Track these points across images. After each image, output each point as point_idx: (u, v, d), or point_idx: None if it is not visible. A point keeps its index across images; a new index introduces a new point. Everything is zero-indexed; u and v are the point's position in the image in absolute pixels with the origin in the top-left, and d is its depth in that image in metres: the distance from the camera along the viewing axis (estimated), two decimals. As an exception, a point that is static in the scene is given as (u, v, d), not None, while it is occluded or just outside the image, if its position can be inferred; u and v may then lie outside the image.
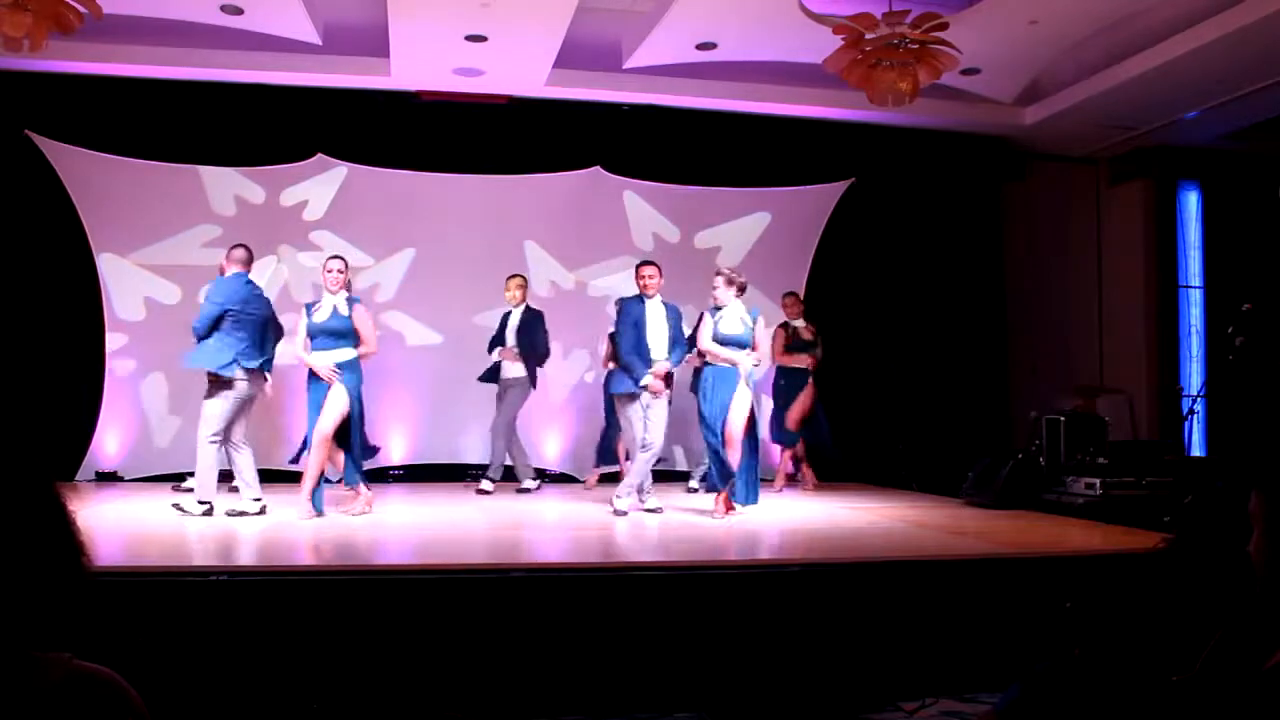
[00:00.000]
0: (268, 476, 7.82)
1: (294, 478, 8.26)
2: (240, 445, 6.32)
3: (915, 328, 9.58)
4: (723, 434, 6.28)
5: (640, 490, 6.67)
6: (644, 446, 6.57)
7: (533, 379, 7.98)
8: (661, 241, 9.43)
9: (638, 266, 6.83)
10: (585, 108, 8.82)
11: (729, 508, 6.33)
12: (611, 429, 7.99)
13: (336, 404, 6.11)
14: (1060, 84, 8.56)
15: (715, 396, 6.30)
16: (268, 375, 6.38)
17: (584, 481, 8.60)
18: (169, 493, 7.36)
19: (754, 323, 6.47)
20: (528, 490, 7.96)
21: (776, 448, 8.55)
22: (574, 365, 9.15)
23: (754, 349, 6.43)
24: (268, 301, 6.50)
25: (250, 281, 6.34)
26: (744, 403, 6.33)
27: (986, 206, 9.90)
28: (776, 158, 9.41)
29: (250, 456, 6.33)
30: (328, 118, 8.70)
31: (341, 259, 6.44)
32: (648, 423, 6.55)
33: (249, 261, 6.39)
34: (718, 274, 6.58)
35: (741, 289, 6.50)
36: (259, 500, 6.23)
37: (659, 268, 6.76)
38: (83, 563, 1.33)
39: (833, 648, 4.25)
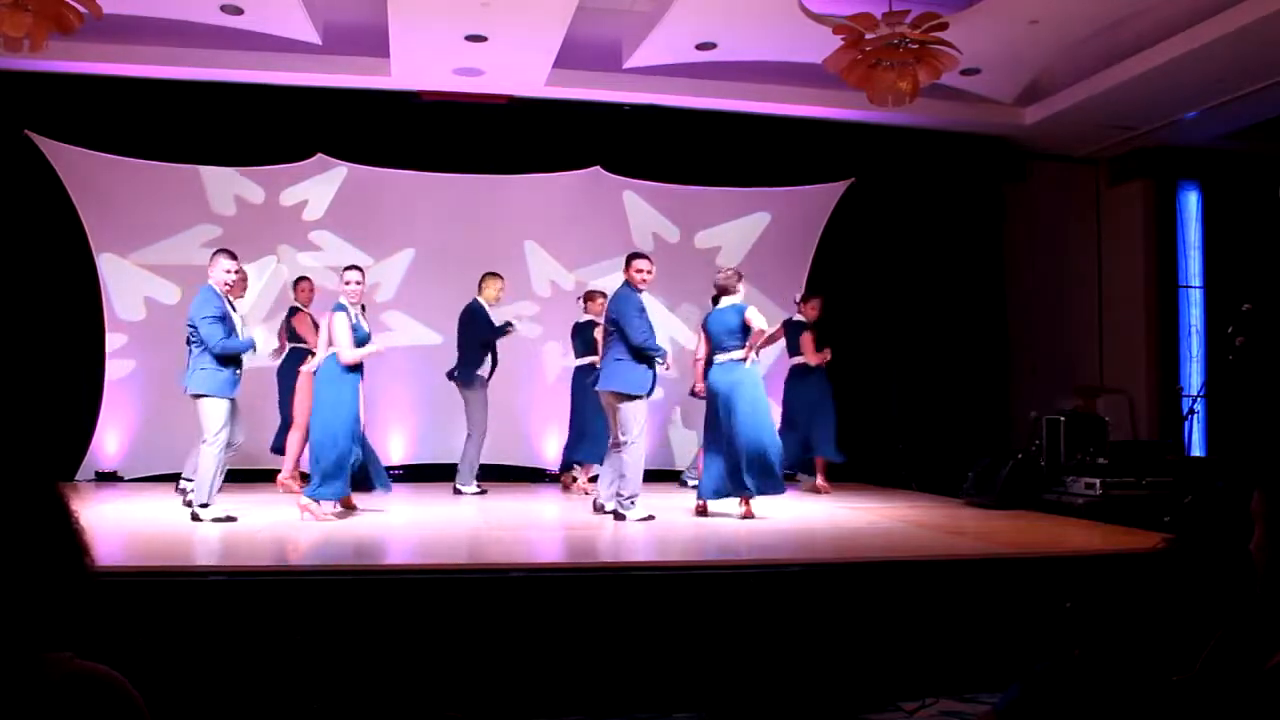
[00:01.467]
0: (265, 476, 7.88)
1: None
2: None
3: (915, 328, 9.58)
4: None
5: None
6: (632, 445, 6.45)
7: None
8: (661, 241, 9.43)
9: (634, 258, 6.67)
10: (585, 108, 8.82)
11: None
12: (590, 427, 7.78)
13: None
14: (1060, 84, 8.56)
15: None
16: None
17: (577, 485, 8.34)
18: (169, 493, 7.36)
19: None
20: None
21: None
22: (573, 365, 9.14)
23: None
24: None
25: None
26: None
27: (986, 206, 9.89)
28: (776, 158, 9.41)
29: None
30: (328, 118, 8.69)
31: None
32: (631, 423, 6.38)
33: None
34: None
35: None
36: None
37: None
38: (85, 563, 1.33)
39: (833, 648, 4.25)
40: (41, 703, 1.22)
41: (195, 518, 5.86)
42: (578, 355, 8.21)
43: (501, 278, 8.14)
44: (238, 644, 3.84)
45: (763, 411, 6.38)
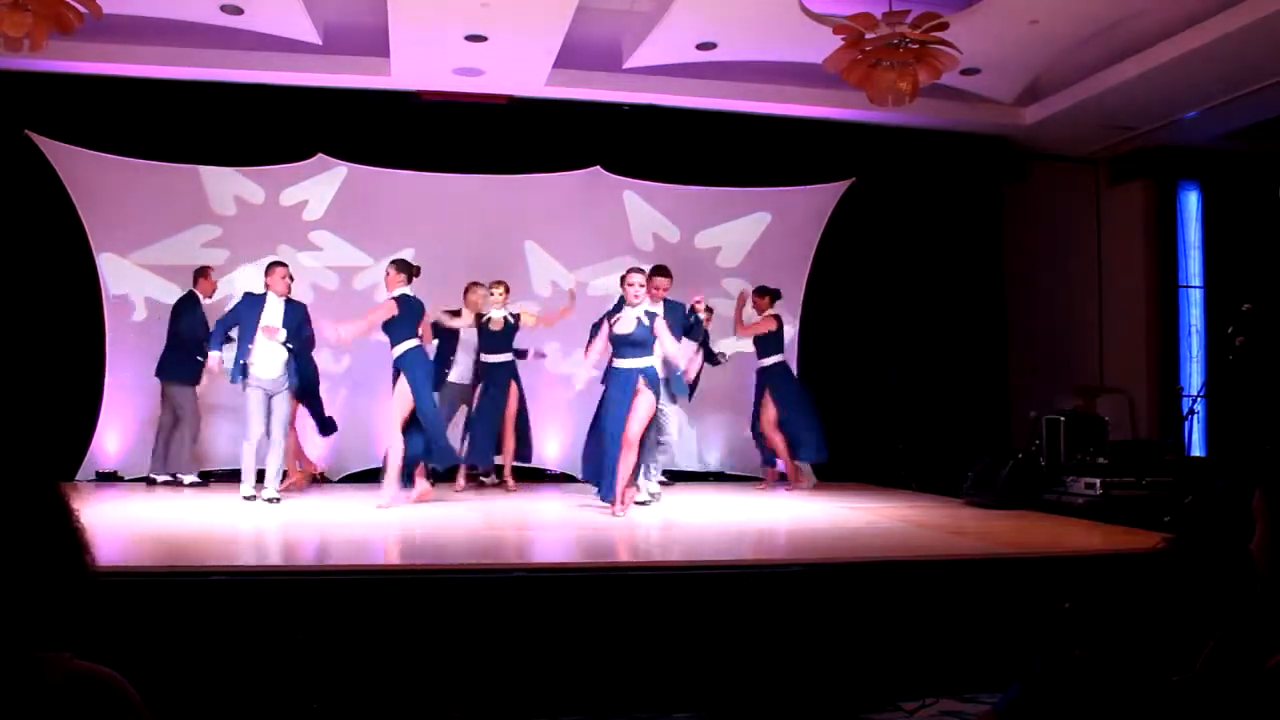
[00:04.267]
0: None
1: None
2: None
3: (915, 328, 9.57)
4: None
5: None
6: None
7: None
8: (661, 241, 9.43)
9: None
10: (585, 108, 8.82)
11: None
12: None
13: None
14: (1060, 84, 8.56)
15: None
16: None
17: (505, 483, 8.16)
18: (169, 493, 7.36)
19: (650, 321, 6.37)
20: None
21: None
22: (575, 365, 9.14)
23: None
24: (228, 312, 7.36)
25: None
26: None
27: (986, 206, 9.89)
28: (776, 158, 9.40)
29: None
30: (328, 118, 8.69)
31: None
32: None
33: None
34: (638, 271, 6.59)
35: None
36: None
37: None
38: (85, 562, 1.33)
39: (833, 648, 4.24)
40: (40, 703, 1.22)
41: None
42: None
43: (483, 285, 8.05)
44: (238, 644, 3.84)
45: None
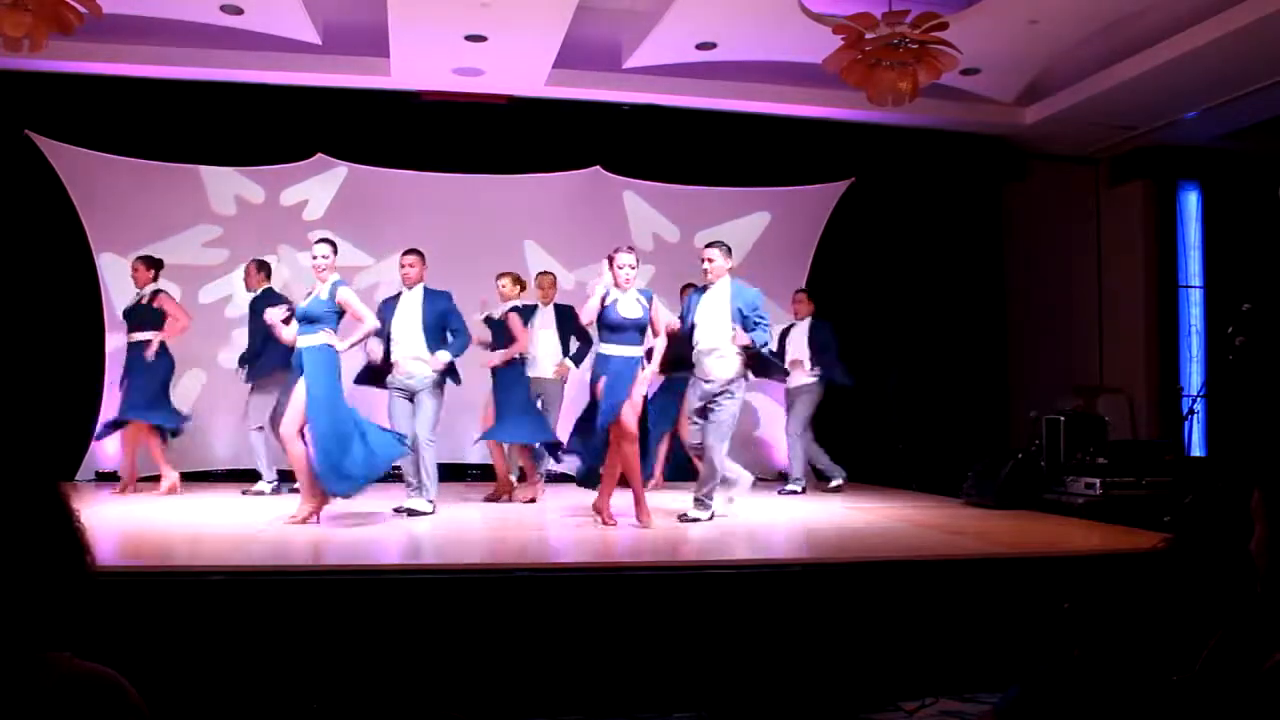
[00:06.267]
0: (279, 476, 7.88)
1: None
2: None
3: (915, 328, 9.58)
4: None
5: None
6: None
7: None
8: (661, 241, 9.44)
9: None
10: (585, 108, 8.82)
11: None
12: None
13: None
14: (1060, 84, 8.56)
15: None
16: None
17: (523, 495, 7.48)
18: (169, 493, 7.34)
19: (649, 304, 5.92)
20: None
21: None
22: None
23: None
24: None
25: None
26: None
27: (986, 206, 9.90)
28: (776, 158, 9.41)
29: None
30: (328, 118, 8.70)
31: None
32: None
33: None
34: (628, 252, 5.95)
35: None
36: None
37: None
38: (85, 562, 1.33)
39: (833, 648, 4.25)
40: (41, 703, 1.22)
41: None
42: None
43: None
44: (237, 644, 3.84)
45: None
